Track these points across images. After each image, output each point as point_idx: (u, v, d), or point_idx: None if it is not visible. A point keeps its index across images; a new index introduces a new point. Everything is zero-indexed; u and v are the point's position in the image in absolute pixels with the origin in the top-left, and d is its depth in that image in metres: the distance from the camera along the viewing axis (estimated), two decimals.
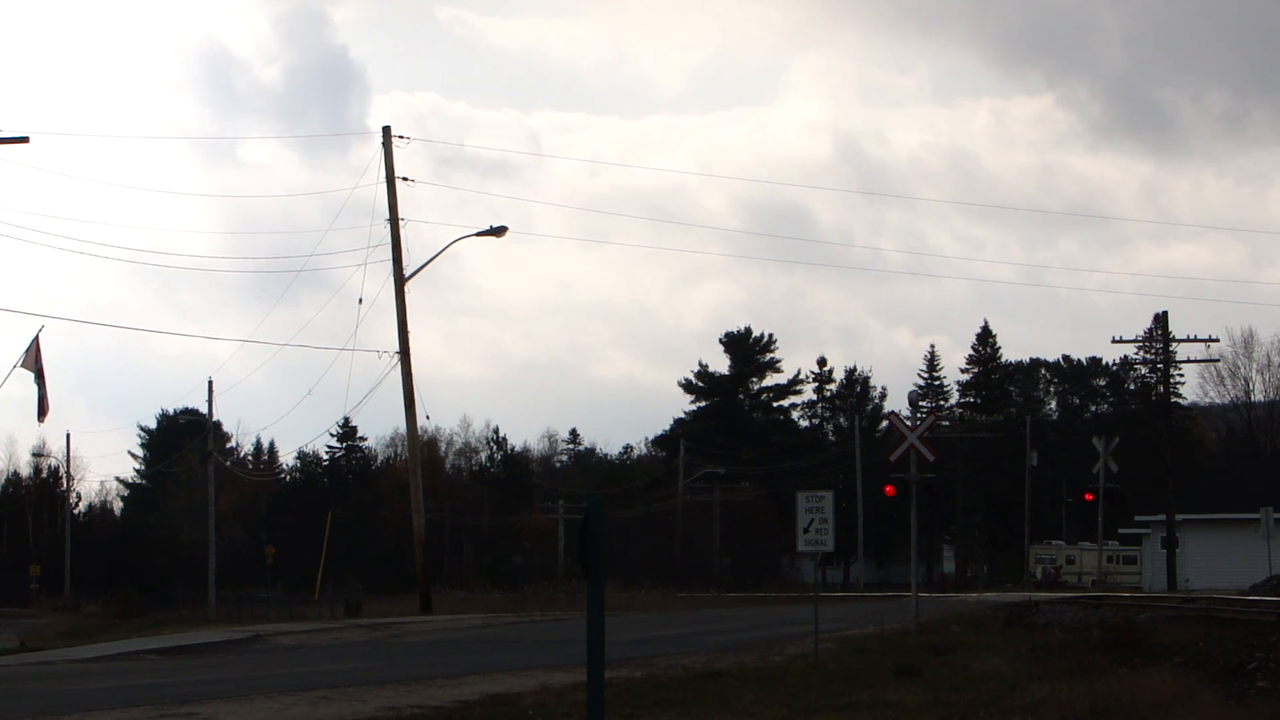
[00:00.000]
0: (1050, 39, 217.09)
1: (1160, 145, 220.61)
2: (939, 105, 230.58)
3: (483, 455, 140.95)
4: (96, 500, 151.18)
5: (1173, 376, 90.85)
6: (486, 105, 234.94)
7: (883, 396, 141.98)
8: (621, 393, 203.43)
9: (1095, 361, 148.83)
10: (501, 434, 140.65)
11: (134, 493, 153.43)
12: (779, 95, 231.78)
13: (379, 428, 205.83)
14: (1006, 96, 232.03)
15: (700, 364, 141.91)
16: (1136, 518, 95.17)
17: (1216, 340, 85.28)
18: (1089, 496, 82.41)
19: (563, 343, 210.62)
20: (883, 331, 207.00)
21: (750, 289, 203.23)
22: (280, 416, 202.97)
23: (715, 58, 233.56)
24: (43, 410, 58.99)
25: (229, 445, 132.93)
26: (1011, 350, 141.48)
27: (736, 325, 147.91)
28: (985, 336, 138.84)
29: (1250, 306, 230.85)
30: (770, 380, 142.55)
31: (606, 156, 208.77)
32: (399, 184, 62.05)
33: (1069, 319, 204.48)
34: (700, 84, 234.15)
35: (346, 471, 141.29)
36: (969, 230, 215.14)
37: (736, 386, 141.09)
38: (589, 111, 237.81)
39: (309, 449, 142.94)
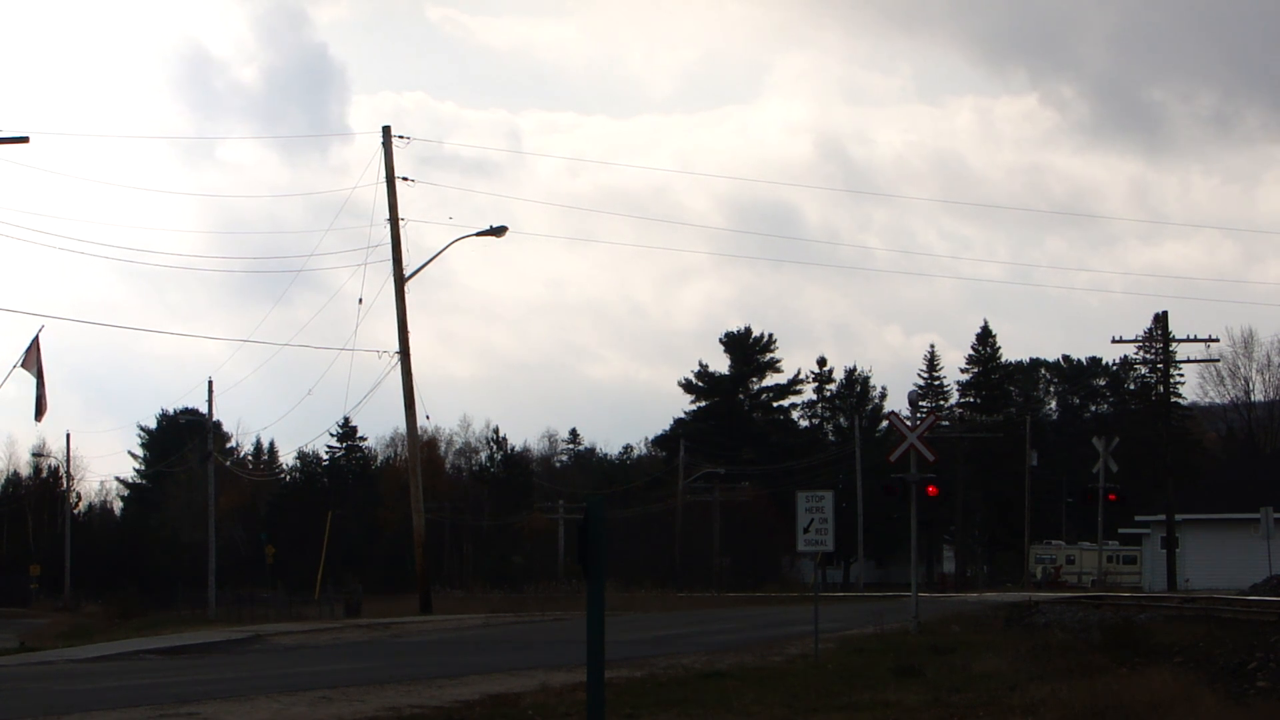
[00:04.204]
0: (1034, 38, 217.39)
1: (1146, 144, 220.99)
2: (924, 104, 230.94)
3: (483, 455, 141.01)
4: (96, 500, 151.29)
5: (1173, 376, 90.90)
6: (475, 105, 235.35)
7: (883, 396, 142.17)
8: (619, 392, 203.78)
9: (1095, 361, 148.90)
10: (501, 434, 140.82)
11: (134, 493, 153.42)
12: (766, 95, 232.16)
13: (379, 428, 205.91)
14: (991, 96, 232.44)
15: (700, 364, 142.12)
16: (1136, 518, 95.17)
17: (1216, 340, 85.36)
18: (1089, 497, 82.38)
19: (556, 342, 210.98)
20: (875, 329, 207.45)
21: (741, 287, 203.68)
22: (280, 417, 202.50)
23: (704, 58, 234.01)
24: (40, 410, 59.03)
25: (229, 445, 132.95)
26: (1005, 348, 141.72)
27: (728, 324, 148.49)
28: (985, 336, 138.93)
29: (1245, 305, 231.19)
30: (770, 380, 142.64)
31: (595, 156, 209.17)
32: (398, 184, 62.08)
33: (1061, 318, 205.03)
34: (689, 84, 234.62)
35: (346, 471, 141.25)
36: (957, 229, 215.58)
37: (736, 386, 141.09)
38: (578, 111, 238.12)
39: (309, 449, 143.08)
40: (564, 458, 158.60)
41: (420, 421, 63.98)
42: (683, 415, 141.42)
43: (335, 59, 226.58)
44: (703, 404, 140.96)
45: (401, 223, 61.79)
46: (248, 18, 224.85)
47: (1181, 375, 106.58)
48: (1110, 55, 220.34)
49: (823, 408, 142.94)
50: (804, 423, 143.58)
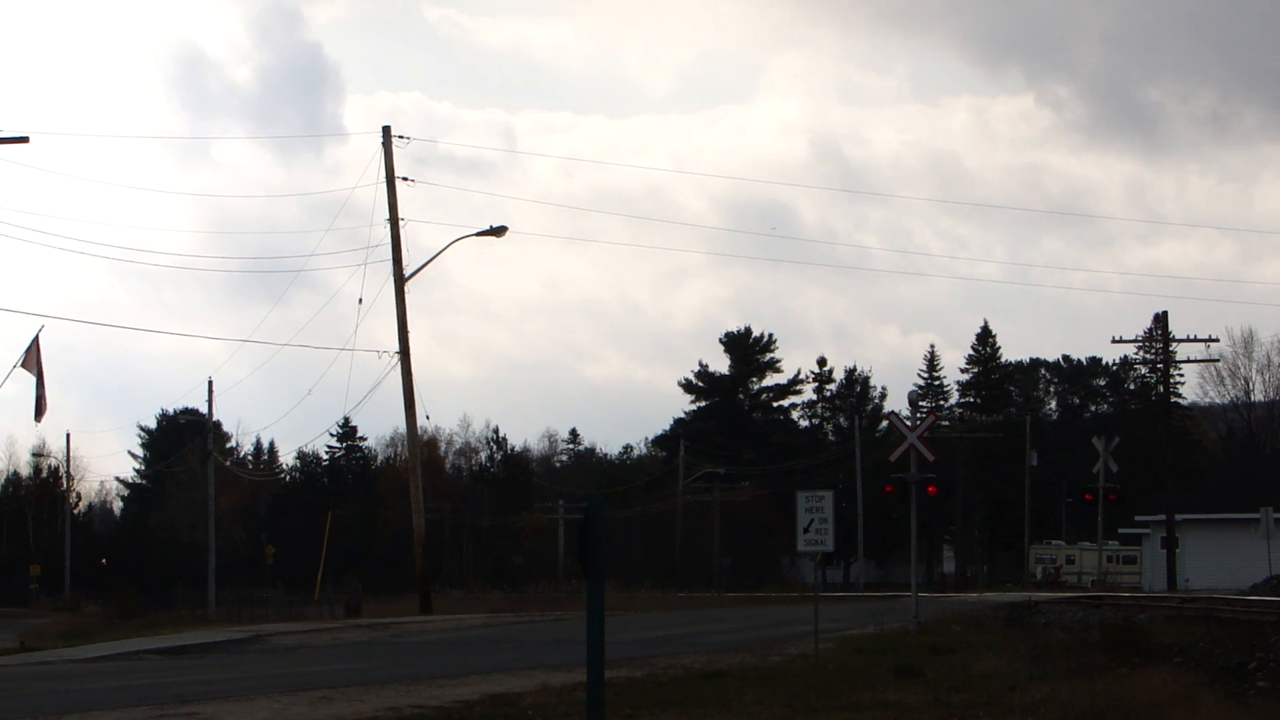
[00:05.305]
0: (1030, 38, 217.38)
1: (1143, 143, 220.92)
2: (920, 104, 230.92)
3: (483, 455, 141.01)
4: (96, 500, 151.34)
5: (1173, 376, 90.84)
6: (472, 105, 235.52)
7: (883, 396, 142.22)
8: (618, 392, 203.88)
9: (1095, 361, 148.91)
10: (501, 434, 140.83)
11: (134, 493, 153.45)
12: (762, 95, 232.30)
13: (379, 428, 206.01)
14: (988, 95, 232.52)
15: (700, 364, 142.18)
16: (1136, 518, 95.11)
17: (1216, 340, 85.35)
18: (1089, 496, 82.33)
19: (554, 342, 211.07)
20: (872, 329, 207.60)
21: (738, 287, 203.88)
22: (280, 417, 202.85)
23: (701, 58, 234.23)
24: (40, 410, 59.06)
25: (229, 445, 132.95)
26: (1005, 349, 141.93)
27: (725, 324, 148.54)
28: (985, 336, 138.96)
29: (1243, 304, 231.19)
30: (770, 380, 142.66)
31: (591, 156, 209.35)
32: (398, 183, 62.01)
33: (1059, 318, 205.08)
34: (685, 84, 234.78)
35: (346, 471, 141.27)
36: (953, 229, 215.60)
37: (736, 386, 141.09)
38: (574, 111, 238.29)
39: (309, 449, 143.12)
40: (564, 458, 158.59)
41: (420, 421, 64.02)
42: (683, 415, 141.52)
43: (330, 59, 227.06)
44: (703, 404, 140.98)
45: (401, 223, 61.80)
46: (243, 17, 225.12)
47: (1181, 375, 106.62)
48: (1106, 55, 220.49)
49: (823, 408, 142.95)
50: (804, 423, 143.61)
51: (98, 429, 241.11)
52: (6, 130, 44.12)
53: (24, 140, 44.06)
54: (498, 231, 61.44)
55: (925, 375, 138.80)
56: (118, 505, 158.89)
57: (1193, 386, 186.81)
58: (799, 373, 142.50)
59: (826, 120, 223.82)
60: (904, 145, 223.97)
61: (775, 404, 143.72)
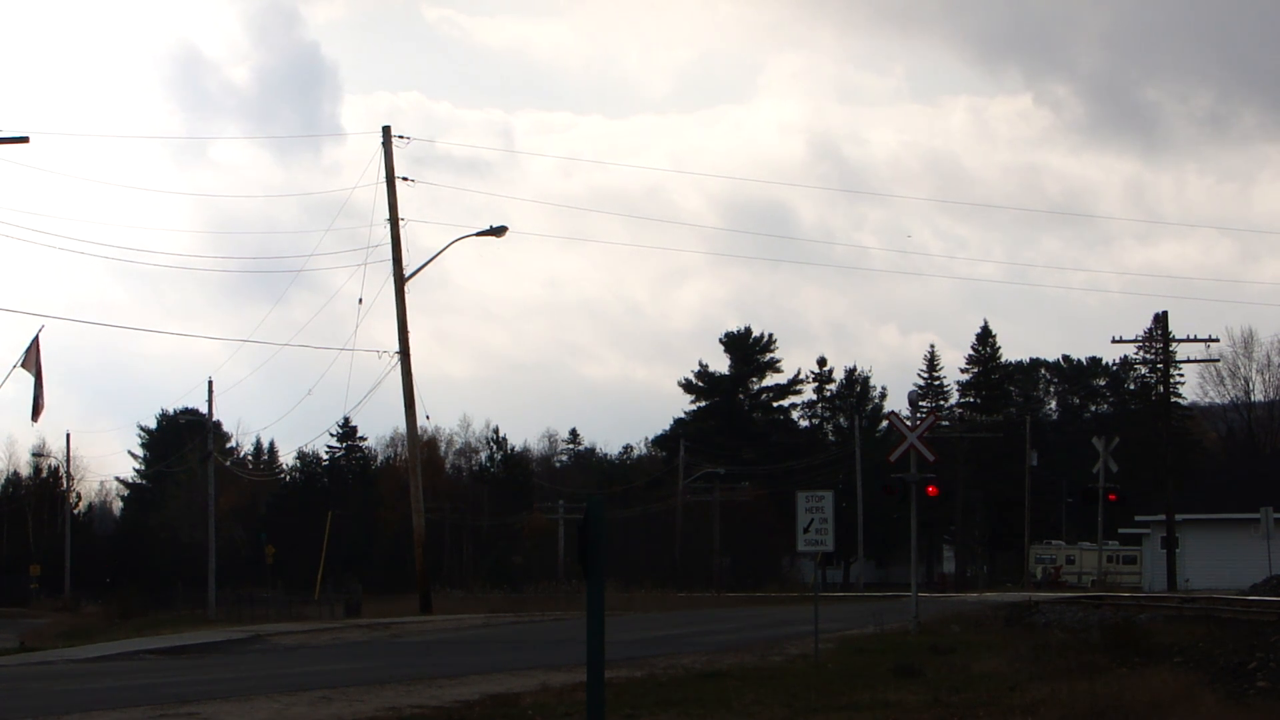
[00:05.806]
0: (1029, 37, 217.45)
1: (1142, 143, 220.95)
2: (918, 104, 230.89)
3: (483, 455, 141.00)
4: (96, 500, 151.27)
5: (1172, 376, 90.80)
6: (470, 104, 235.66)
7: (883, 396, 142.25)
8: (618, 392, 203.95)
9: (1095, 361, 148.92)
10: (501, 434, 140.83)
11: (134, 493, 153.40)
12: (760, 95, 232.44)
13: (379, 428, 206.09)
14: (987, 95, 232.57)
15: (700, 364, 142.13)
16: (1136, 518, 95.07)
17: (1216, 340, 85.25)
18: (1089, 497, 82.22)
19: (553, 342, 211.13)
20: (871, 329, 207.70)
21: (737, 287, 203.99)
22: (280, 417, 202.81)
23: (700, 58, 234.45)
24: (37, 410, 59.05)
25: (229, 445, 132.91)
26: (1004, 349, 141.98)
27: (724, 324, 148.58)
28: (985, 336, 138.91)
29: (1243, 304, 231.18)
30: (770, 380, 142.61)
31: (590, 156, 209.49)
32: (398, 183, 61.98)
33: (1059, 318, 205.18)
34: (684, 84, 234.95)
35: (346, 471, 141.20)
36: (952, 228, 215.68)
37: (737, 386, 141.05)
38: (573, 111, 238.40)
39: (309, 449, 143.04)
40: (564, 458, 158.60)
41: (420, 421, 63.98)
42: (683, 415, 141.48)
43: (329, 58, 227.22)
44: (703, 404, 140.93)
45: (401, 223, 61.76)
46: (240, 17, 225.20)
47: (1181, 375, 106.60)
48: (1105, 55, 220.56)
49: (823, 408, 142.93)
50: (804, 423, 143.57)
51: (98, 429, 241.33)
52: (6, 130, 44.17)
53: (24, 140, 44.07)
54: (497, 231, 61.40)
55: (925, 375, 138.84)
56: (118, 505, 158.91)
57: (1193, 386, 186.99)
58: (799, 373, 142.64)
59: (825, 120, 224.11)
60: (902, 145, 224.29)
61: (775, 404, 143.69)
